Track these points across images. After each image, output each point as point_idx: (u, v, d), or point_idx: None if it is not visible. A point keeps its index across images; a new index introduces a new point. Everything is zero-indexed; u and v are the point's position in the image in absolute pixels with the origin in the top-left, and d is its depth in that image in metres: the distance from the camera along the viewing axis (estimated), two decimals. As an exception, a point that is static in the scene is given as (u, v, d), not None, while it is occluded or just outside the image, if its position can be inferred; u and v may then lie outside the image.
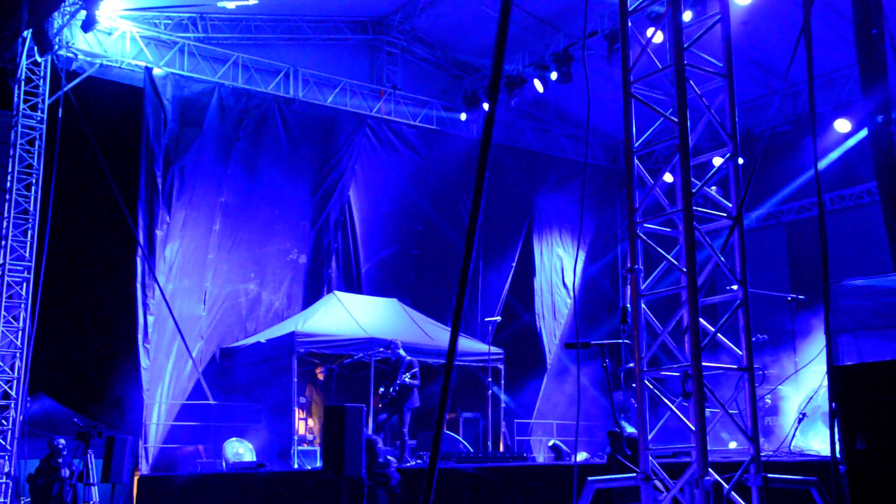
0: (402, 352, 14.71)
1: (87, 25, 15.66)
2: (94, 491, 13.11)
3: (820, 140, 16.49)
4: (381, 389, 14.55)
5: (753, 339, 6.75)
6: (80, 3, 15.54)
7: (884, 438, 4.59)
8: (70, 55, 16.47)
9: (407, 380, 14.27)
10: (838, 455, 5.10)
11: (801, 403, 10.21)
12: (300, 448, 15.89)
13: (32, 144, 15.96)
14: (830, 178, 17.46)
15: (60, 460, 14.01)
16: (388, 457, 14.14)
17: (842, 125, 17.28)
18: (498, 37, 4.89)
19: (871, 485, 4.62)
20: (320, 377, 17.44)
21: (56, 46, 16.02)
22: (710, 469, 5.96)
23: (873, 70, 11.10)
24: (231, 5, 17.28)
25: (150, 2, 17.12)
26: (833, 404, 4.95)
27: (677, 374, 6.30)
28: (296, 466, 15.13)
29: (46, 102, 16.12)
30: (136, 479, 15.61)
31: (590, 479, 6.30)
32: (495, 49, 4.90)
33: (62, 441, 14.19)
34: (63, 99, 15.90)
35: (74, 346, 18.76)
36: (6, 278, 15.34)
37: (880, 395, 4.67)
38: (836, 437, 5.04)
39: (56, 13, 15.75)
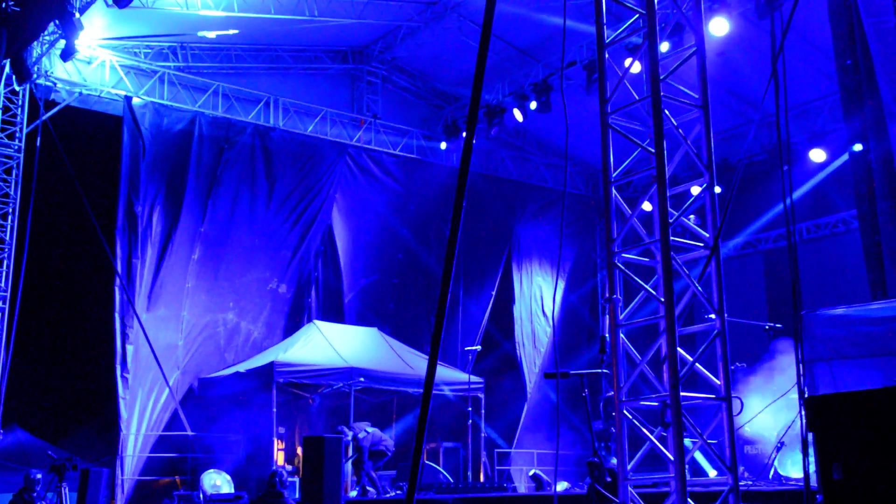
0: (360, 434, 14.85)
1: (67, 55, 15.63)
2: (69, 524, 12.87)
3: (795, 170, 16.66)
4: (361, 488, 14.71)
5: (732, 367, 6.78)
6: (60, 32, 15.50)
7: (860, 468, 4.61)
8: (49, 84, 16.42)
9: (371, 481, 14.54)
10: (815, 484, 5.11)
11: (780, 432, 10.24)
12: (279, 479, 15.71)
13: (10, 174, 15.85)
14: (806, 207, 17.63)
15: (35, 494, 13.75)
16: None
17: (817, 155, 17.49)
18: (477, 65, 4.93)
19: (849, 514, 4.63)
20: (311, 402, 17.39)
21: (35, 75, 15.96)
22: (689, 499, 5.95)
23: (850, 99, 11.31)
24: (211, 35, 17.33)
25: (130, 31, 17.12)
26: (809, 434, 4.97)
27: (656, 403, 6.30)
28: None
29: (24, 131, 16.03)
30: (111, 511, 15.37)
31: (569, 509, 6.27)
32: (475, 76, 4.93)
33: (39, 476, 13.94)
34: (41, 128, 15.80)
35: (49, 377, 18.49)
36: (-19, 308, 15.17)
37: (856, 425, 4.68)
38: (813, 466, 5.04)
39: (35, 42, 15.72)
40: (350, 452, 14.84)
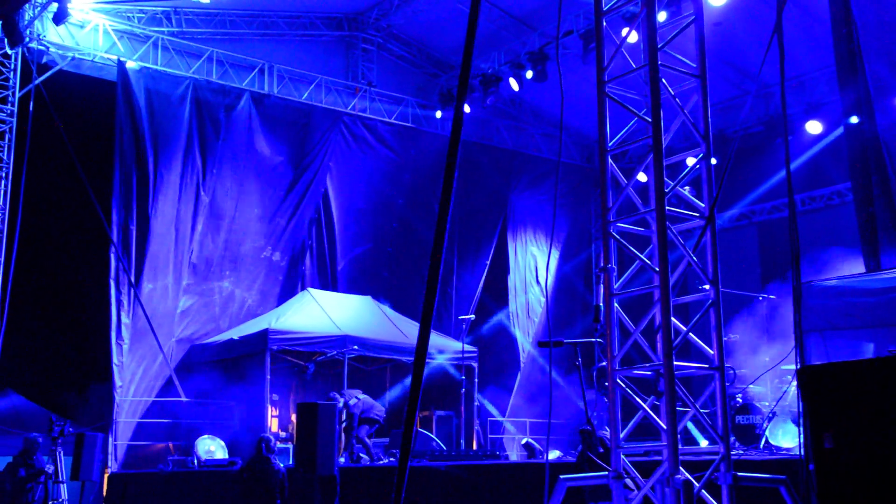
0: (351, 401, 14.84)
1: (59, 18, 15.48)
2: (63, 488, 12.98)
3: (791, 141, 16.63)
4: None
5: (725, 338, 6.81)
6: (52, -5, 15.37)
7: (850, 437, 4.65)
8: (41, 48, 16.28)
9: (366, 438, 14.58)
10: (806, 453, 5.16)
11: (771, 402, 10.32)
12: (273, 445, 15.80)
13: (2, 138, 15.76)
14: (801, 179, 17.62)
15: (35, 457, 13.82)
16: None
17: (813, 127, 17.45)
18: (467, 36, 4.90)
19: (839, 483, 4.67)
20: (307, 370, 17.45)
21: (27, 39, 15.82)
22: (680, 467, 6.00)
23: (845, 68, 11.27)
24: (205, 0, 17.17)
25: (124, -5, 16.97)
26: (802, 404, 5.01)
27: (649, 373, 6.33)
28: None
29: (17, 95, 15.92)
30: (105, 476, 15.46)
31: (562, 477, 6.31)
32: (464, 48, 4.90)
33: (40, 440, 13.99)
34: (34, 92, 15.71)
35: (44, 342, 18.54)
36: (-25, 273, 15.15)
37: (848, 395, 4.72)
38: (805, 436, 5.09)
39: (27, 5, 15.56)
40: (343, 419, 14.91)
